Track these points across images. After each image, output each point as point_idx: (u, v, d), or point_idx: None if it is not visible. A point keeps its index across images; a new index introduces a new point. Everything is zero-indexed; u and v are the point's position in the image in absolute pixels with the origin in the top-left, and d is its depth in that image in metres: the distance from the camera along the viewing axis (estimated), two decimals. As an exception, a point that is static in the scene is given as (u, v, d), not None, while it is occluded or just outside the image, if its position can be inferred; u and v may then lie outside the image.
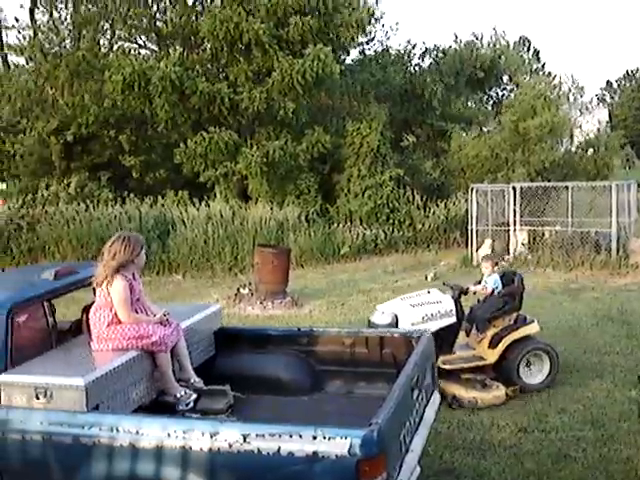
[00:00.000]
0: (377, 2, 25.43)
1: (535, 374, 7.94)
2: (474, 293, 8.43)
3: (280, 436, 3.99)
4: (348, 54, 25.26)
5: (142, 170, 22.65)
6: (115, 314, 5.02)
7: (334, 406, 5.65)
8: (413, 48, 27.11)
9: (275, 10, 20.72)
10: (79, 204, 19.58)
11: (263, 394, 5.69)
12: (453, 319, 7.70)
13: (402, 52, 26.74)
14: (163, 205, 20.07)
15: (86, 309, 5.54)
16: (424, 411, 5.29)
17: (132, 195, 20.76)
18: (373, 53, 26.69)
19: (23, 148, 22.55)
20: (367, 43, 26.45)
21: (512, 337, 7.84)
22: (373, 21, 24.97)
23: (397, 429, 4.44)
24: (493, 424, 6.96)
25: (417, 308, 7.69)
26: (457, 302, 7.89)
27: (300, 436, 3.97)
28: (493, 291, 8.09)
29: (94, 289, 5.41)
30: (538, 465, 6.07)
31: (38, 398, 4.46)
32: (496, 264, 8.44)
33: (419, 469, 4.67)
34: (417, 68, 26.83)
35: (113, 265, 5.01)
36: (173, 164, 21.65)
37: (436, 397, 5.74)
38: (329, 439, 3.92)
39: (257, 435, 4.02)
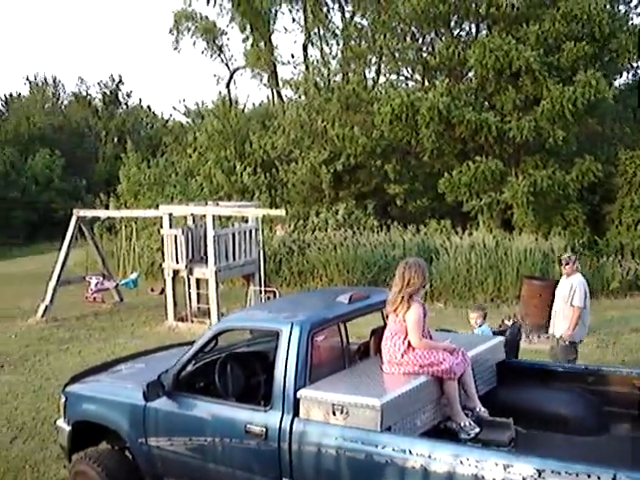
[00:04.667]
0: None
1: None
2: None
3: (577, 475, 3.87)
4: (619, 77, 24.16)
5: (406, 198, 23.12)
6: (409, 340, 5.17)
7: (621, 449, 5.36)
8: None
9: (546, 37, 20.40)
10: (346, 230, 20.34)
11: (545, 430, 5.54)
12: None
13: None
14: (426, 233, 20.30)
15: (374, 332, 5.77)
16: None
17: (395, 223, 21.25)
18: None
19: (296, 177, 23.93)
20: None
21: None
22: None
23: None
24: None
25: None
26: None
27: (598, 478, 3.83)
28: None
29: (382, 314, 5.64)
30: None
31: (335, 414, 4.71)
32: (484, 316, 8.12)
33: None
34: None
35: (408, 291, 5.18)
36: (436, 193, 21.88)
37: None
38: (632, 484, 3.75)
39: (552, 472, 3.94)
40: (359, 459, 4.57)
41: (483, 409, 5.38)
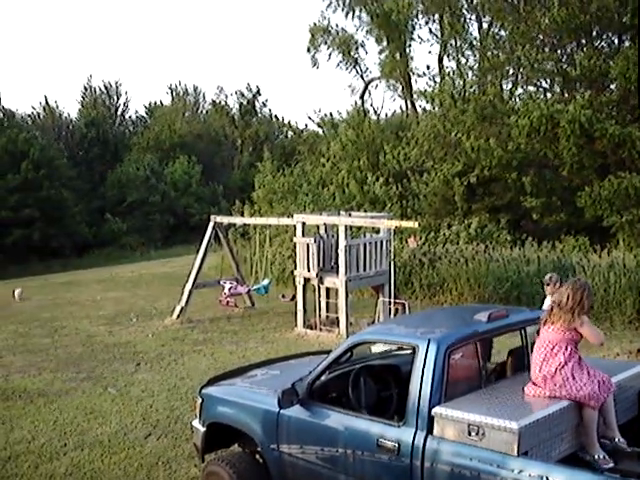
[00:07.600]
0: None
1: None
2: None
3: None
4: None
5: (542, 213, 22.49)
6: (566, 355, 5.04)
7: None
8: None
9: (695, 47, 19.45)
10: (478, 244, 19.98)
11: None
12: None
13: None
14: (561, 250, 19.64)
15: (512, 353, 5.64)
16: None
17: (529, 238, 20.69)
18: None
19: (428, 188, 23.75)
20: None
21: None
22: None
23: None
24: None
25: None
26: None
27: None
28: None
29: (521, 334, 5.51)
30: None
31: (470, 434, 4.62)
32: None
33: None
34: None
35: (577, 309, 5.08)
36: (573, 208, 21.16)
37: None
38: None
39: None
40: (493, 482, 4.46)
41: (622, 440, 5.13)
